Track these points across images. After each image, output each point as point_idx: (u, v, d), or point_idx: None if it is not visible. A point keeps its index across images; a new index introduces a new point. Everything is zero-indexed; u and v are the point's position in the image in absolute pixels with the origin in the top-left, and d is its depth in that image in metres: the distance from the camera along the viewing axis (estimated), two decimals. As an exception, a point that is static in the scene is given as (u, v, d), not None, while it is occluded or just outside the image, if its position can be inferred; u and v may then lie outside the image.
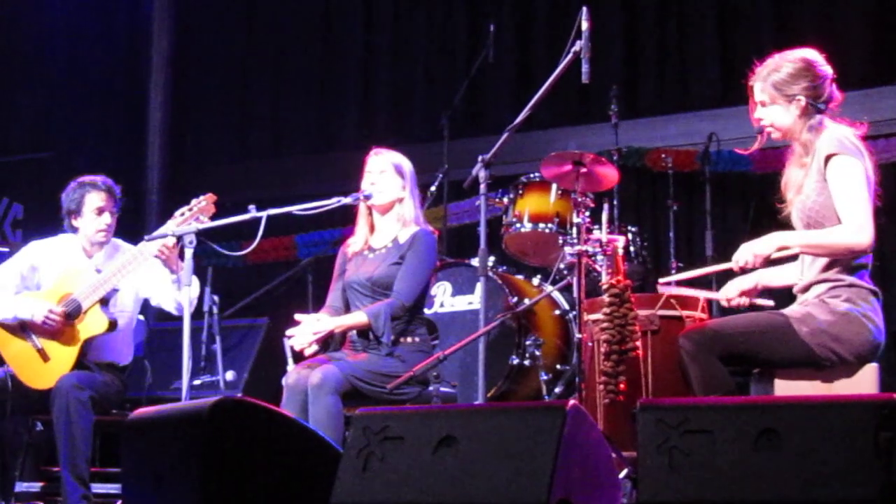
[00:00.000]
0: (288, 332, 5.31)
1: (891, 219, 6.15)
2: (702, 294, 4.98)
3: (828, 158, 4.28)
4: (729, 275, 4.61)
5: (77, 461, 5.44)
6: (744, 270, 4.42)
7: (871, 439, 3.06)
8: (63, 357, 5.64)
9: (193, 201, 5.40)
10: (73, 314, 5.64)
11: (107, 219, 5.94)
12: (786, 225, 4.46)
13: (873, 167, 4.38)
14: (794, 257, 4.51)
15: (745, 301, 4.62)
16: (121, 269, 5.65)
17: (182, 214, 5.38)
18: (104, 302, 5.66)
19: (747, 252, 4.32)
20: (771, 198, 4.62)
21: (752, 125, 4.57)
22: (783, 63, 4.43)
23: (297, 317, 5.33)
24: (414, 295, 5.36)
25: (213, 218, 5.37)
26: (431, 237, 5.48)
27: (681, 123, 8.38)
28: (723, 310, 6.75)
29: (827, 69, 4.44)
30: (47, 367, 5.63)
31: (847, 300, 4.28)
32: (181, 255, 5.32)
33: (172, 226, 5.36)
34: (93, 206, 5.92)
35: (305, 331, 5.26)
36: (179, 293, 5.55)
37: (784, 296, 4.63)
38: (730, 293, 4.60)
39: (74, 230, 5.98)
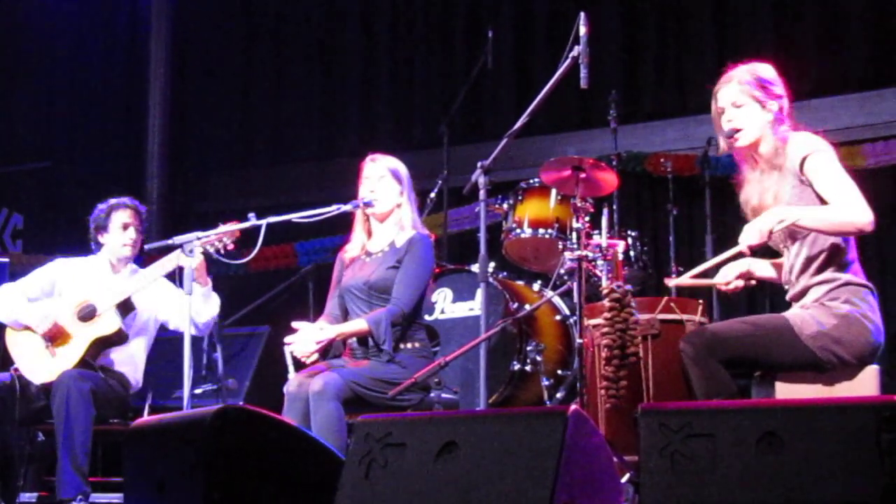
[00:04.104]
0: (286, 339, 5.31)
1: (891, 220, 6.16)
2: (702, 282, 4.98)
3: (803, 161, 4.30)
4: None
5: (76, 451, 5.46)
6: (753, 251, 4.41)
7: (872, 441, 3.06)
8: (69, 353, 5.75)
9: (221, 226, 5.42)
10: (87, 317, 5.78)
11: (132, 233, 6.11)
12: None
13: (844, 166, 4.40)
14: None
15: (741, 284, 4.64)
16: (140, 281, 5.84)
17: (207, 236, 5.43)
18: (122, 312, 5.75)
19: (753, 231, 4.31)
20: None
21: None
22: (756, 69, 4.51)
23: (295, 324, 5.33)
24: (413, 301, 5.36)
25: (213, 225, 5.41)
26: (428, 241, 5.48)
27: (680, 128, 8.39)
28: (723, 314, 6.77)
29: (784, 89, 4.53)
30: (53, 361, 5.74)
31: (847, 301, 4.29)
32: (208, 270, 5.62)
33: (197, 245, 5.42)
34: (119, 221, 6.09)
35: (308, 338, 5.26)
36: (206, 304, 5.82)
37: (783, 298, 4.63)
38: (728, 276, 4.62)
39: (100, 247, 6.14)
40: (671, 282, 4.89)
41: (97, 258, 6.15)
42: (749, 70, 4.50)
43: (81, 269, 6.12)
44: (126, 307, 5.84)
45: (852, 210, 4.20)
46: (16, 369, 5.78)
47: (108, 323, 5.78)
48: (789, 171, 4.36)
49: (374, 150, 5.79)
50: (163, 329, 6.20)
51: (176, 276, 5.80)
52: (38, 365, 5.75)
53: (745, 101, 4.47)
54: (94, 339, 5.76)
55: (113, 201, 6.15)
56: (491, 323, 5.51)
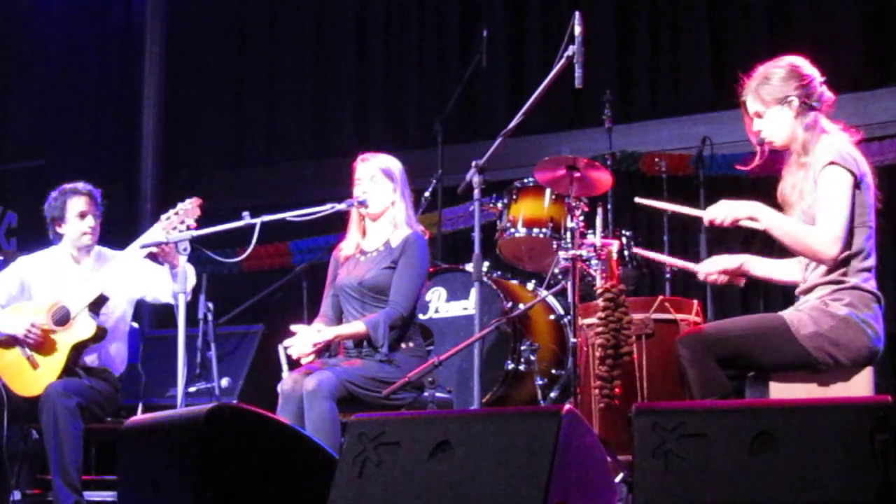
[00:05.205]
0: (284, 343, 5.30)
1: (886, 220, 6.15)
2: (678, 263, 4.97)
3: (822, 168, 4.29)
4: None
5: (67, 468, 5.45)
6: (713, 225, 4.42)
7: (866, 442, 3.06)
8: (51, 364, 5.68)
9: (179, 205, 5.42)
10: (61, 321, 5.68)
11: (90, 221, 6.00)
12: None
13: (871, 171, 4.39)
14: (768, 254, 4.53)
15: (724, 279, 4.63)
16: (109, 276, 5.73)
17: (168, 219, 5.41)
18: (94, 309, 5.69)
19: (722, 210, 4.34)
20: (765, 200, 4.61)
21: (745, 129, 4.59)
22: (770, 70, 4.47)
23: (294, 327, 5.32)
24: (410, 303, 5.37)
25: (205, 224, 5.40)
26: (423, 241, 5.48)
27: (674, 127, 8.39)
28: (718, 314, 6.77)
29: (813, 70, 4.48)
30: (36, 375, 5.66)
31: (848, 304, 4.27)
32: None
33: (158, 229, 5.39)
34: (76, 210, 5.98)
35: (305, 341, 5.25)
36: (177, 285, 5.59)
37: (778, 297, 4.63)
38: (710, 269, 4.61)
39: (59, 237, 6.05)
40: (639, 200, 4.87)
41: (59, 250, 6.06)
42: (762, 74, 4.46)
43: (46, 263, 6.04)
44: (98, 303, 5.75)
45: (822, 241, 4.22)
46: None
47: (84, 327, 5.70)
48: (813, 172, 4.35)
49: (368, 148, 5.79)
50: (155, 327, 6.18)
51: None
52: (23, 378, 5.69)
53: (764, 109, 4.45)
54: (74, 344, 5.70)
55: (67, 188, 6.04)
56: (485, 322, 5.51)
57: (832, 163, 4.28)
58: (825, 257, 4.25)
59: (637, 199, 4.85)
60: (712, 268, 4.62)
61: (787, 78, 4.43)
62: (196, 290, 5.95)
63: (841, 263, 4.31)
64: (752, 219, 4.33)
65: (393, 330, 5.29)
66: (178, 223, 5.36)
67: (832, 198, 4.26)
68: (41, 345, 5.69)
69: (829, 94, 4.48)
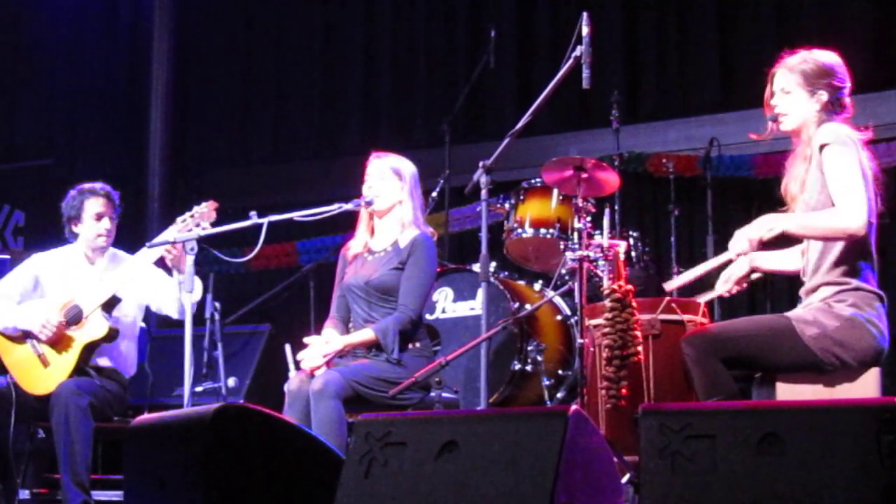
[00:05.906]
0: (298, 357, 5.31)
1: (892, 221, 6.15)
2: (704, 299, 4.99)
3: (821, 149, 4.29)
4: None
5: (77, 467, 5.45)
6: (745, 254, 4.44)
7: (873, 443, 3.06)
8: (63, 362, 5.67)
9: (195, 208, 5.43)
10: (73, 320, 5.68)
11: (106, 224, 5.98)
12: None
13: (877, 172, 4.39)
14: (794, 242, 4.52)
15: (742, 286, 4.71)
16: (122, 277, 5.72)
17: (183, 221, 5.42)
18: (107, 309, 5.70)
19: (742, 239, 4.33)
20: (772, 202, 4.61)
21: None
22: (815, 57, 4.47)
23: (307, 339, 5.33)
24: (419, 306, 5.37)
25: (214, 224, 5.40)
26: (431, 242, 5.48)
27: (682, 128, 8.38)
28: (724, 314, 6.76)
29: (847, 77, 4.48)
30: (47, 373, 5.66)
31: (852, 305, 4.27)
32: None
33: (174, 232, 5.40)
34: (92, 211, 5.97)
35: (314, 353, 5.26)
36: (184, 285, 5.53)
37: (784, 298, 4.62)
38: (726, 288, 4.66)
39: (74, 237, 6.04)
40: (669, 285, 4.89)
41: (73, 248, 6.05)
42: (804, 58, 4.46)
43: (60, 262, 6.03)
44: (110, 303, 5.75)
45: (843, 215, 4.18)
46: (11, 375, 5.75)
47: (97, 326, 5.70)
48: (814, 160, 4.35)
49: (375, 148, 5.79)
50: (162, 327, 6.18)
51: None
52: (33, 376, 5.68)
53: (793, 89, 4.44)
54: (86, 344, 5.70)
55: (86, 187, 6.03)
56: (492, 322, 5.51)
57: (828, 143, 4.28)
58: (851, 229, 4.18)
59: (666, 287, 4.85)
60: (727, 286, 4.68)
61: (827, 72, 4.43)
62: (203, 290, 5.95)
63: (842, 262, 4.31)
64: (772, 230, 4.33)
65: (402, 334, 5.29)
66: (194, 226, 5.36)
67: (838, 172, 4.24)
68: (54, 342, 5.69)
69: (849, 105, 4.48)
